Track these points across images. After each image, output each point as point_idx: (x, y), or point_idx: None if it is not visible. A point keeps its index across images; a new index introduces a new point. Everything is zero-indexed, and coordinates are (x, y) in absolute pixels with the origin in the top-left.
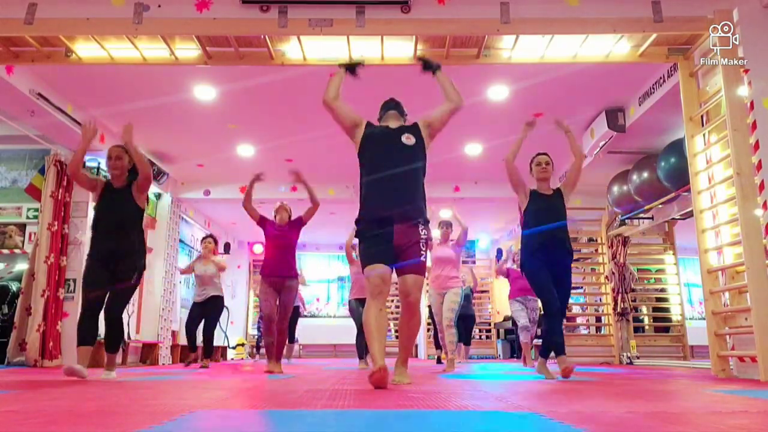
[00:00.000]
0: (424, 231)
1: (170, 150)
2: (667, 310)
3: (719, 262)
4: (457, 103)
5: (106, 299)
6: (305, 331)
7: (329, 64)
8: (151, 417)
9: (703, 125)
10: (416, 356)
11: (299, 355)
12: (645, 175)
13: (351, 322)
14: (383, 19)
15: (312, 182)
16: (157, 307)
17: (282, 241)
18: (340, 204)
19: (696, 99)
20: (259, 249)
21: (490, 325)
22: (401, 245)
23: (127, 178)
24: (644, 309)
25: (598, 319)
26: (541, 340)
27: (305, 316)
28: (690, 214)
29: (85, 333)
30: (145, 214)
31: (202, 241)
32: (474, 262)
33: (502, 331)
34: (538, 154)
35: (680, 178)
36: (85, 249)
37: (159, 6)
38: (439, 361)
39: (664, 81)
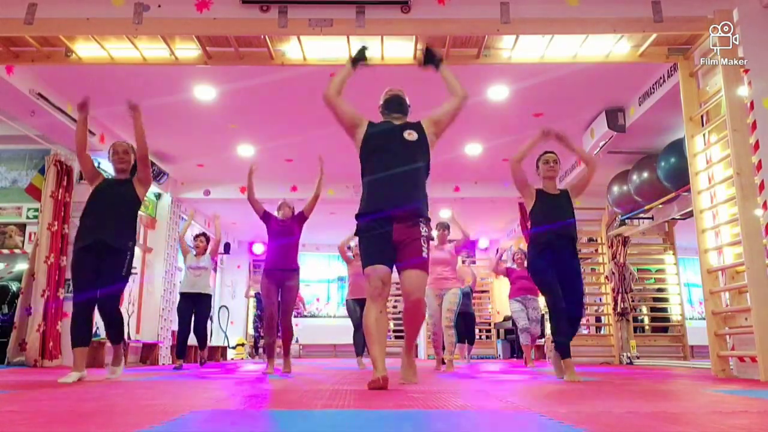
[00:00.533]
0: (424, 228)
1: (170, 150)
2: (666, 310)
3: (719, 262)
4: (464, 96)
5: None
6: (305, 331)
7: (329, 64)
8: (151, 417)
9: (703, 125)
10: (416, 356)
11: (299, 355)
12: (645, 175)
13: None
14: (383, 19)
15: (312, 182)
16: (157, 307)
17: (284, 236)
18: (340, 204)
19: (696, 99)
20: (259, 249)
21: (490, 325)
22: (401, 243)
23: (131, 170)
24: (644, 309)
25: (598, 319)
26: (543, 340)
27: (305, 316)
28: (690, 214)
29: (79, 334)
30: (143, 212)
31: (195, 238)
32: (474, 262)
33: (502, 331)
34: (546, 152)
35: (680, 178)
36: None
37: (159, 6)
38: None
39: (664, 81)
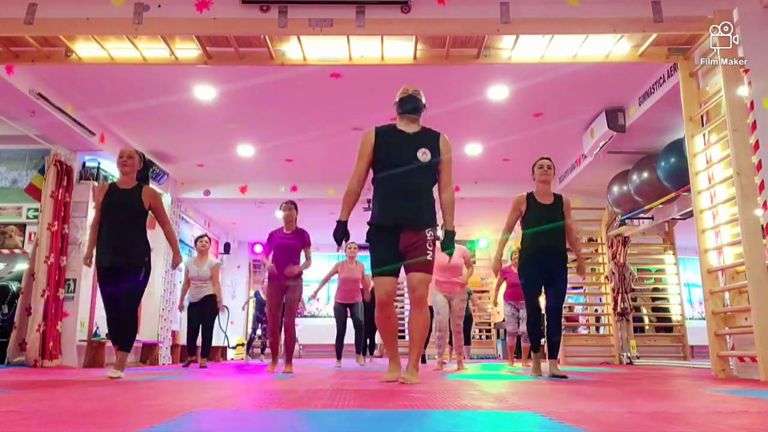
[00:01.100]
0: (430, 233)
1: (170, 150)
2: (667, 310)
3: (719, 262)
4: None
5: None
6: (305, 331)
7: (329, 64)
8: (151, 417)
9: (703, 125)
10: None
11: (299, 355)
12: (645, 175)
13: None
14: (383, 19)
15: (312, 182)
16: (157, 307)
17: (287, 247)
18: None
19: (696, 99)
20: (260, 249)
21: (490, 325)
22: (408, 247)
23: (136, 177)
24: (644, 309)
25: (598, 319)
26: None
27: (305, 316)
28: (690, 214)
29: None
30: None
31: (197, 240)
32: (474, 262)
33: (502, 331)
34: (542, 158)
35: (680, 178)
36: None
37: (159, 6)
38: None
39: (664, 81)
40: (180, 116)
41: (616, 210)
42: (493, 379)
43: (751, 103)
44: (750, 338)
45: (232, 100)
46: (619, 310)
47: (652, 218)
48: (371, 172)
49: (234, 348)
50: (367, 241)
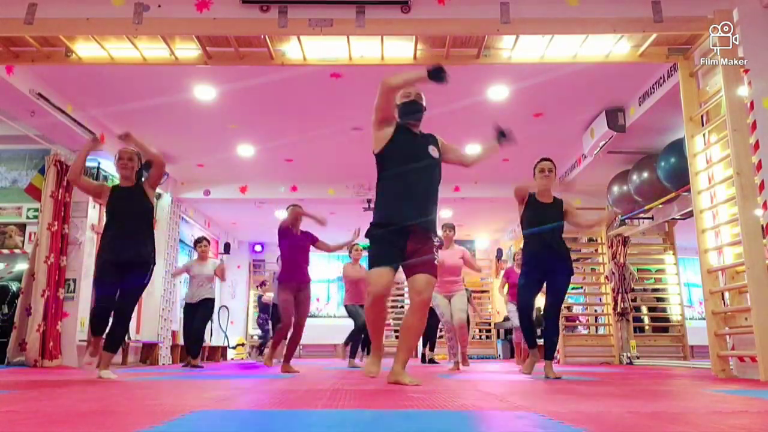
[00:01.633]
0: (437, 239)
1: (170, 150)
2: (666, 310)
3: (719, 262)
4: (469, 165)
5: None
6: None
7: (329, 64)
8: (151, 417)
9: (703, 125)
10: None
11: (299, 355)
12: (645, 175)
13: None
14: (383, 19)
15: (312, 182)
16: (157, 307)
17: (299, 247)
18: (340, 204)
19: (696, 99)
20: (259, 248)
21: (490, 325)
22: (416, 248)
23: (136, 176)
24: (644, 309)
25: (598, 319)
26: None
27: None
28: (690, 214)
29: (98, 326)
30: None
31: (197, 244)
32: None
33: (502, 331)
34: (542, 159)
35: (680, 178)
36: (85, 249)
37: (159, 6)
38: (432, 361)
39: (664, 81)
40: (180, 116)
41: (616, 210)
42: (493, 379)
43: (751, 103)
44: (750, 338)
45: (232, 100)
46: (619, 310)
47: (652, 218)
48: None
49: (234, 348)
50: (367, 237)
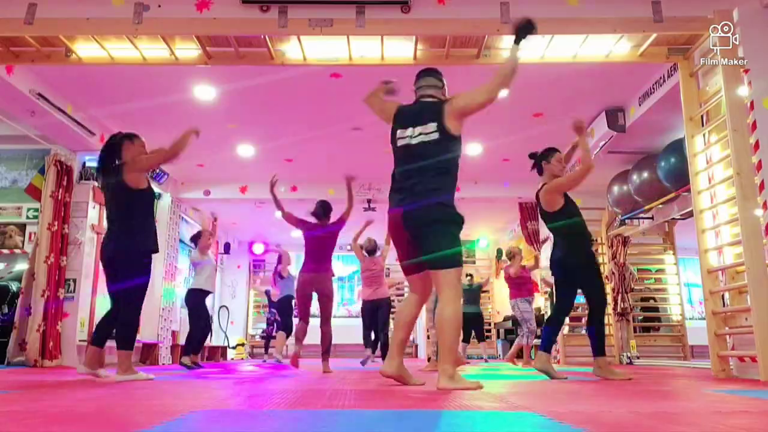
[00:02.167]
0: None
1: None
2: (667, 310)
3: (719, 262)
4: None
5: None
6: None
7: (329, 64)
8: (151, 417)
9: (703, 125)
10: (415, 356)
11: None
12: (645, 175)
13: (351, 322)
14: (383, 19)
15: (312, 182)
16: (157, 307)
17: (319, 242)
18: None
19: (696, 99)
20: (259, 249)
21: (490, 325)
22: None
23: (113, 169)
24: (644, 309)
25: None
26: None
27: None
28: (690, 214)
29: (95, 333)
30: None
31: (197, 239)
32: (474, 262)
33: (502, 331)
34: (557, 150)
35: (680, 178)
36: (85, 249)
37: (159, 6)
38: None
39: (664, 81)
40: (180, 116)
41: (616, 210)
42: (493, 379)
43: (751, 103)
44: (750, 338)
45: (232, 100)
46: (619, 310)
47: (652, 218)
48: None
49: (234, 348)
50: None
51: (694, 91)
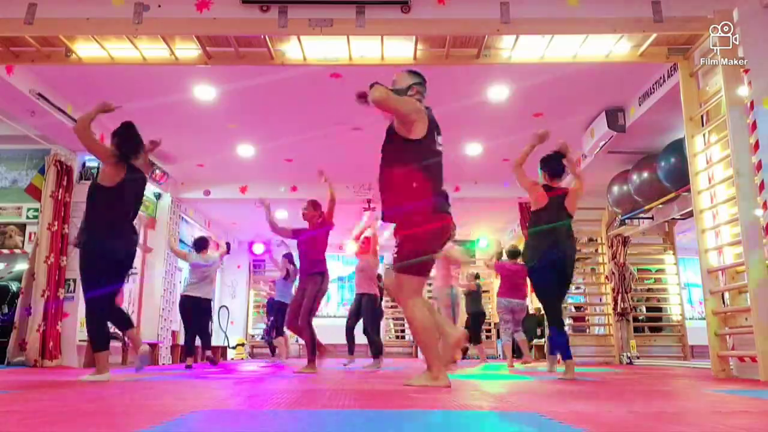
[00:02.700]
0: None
1: (170, 150)
2: (667, 310)
3: (719, 262)
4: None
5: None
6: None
7: (329, 64)
8: (151, 417)
9: (703, 125)
10: (415, 356)
11: (299, 354)
12: (645, 175)
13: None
14: (383, 19)
15: (312, 182)
16: (157, 307)
17: (309, 244)
18: (340, 204)
19: (696, 99)
20: (259, 249)
21: (490, 325)
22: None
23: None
24: (644, 309)
25: (598, 319)
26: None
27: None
28: (690, 214)
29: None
30: (143, 212)
31: (199, 244)
32: (474, 262)
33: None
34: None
35: (680, 178)
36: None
37: (159, 6)
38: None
39: (664, 81)
40: (180, 116)
41: (616, 210)
42: (493, 379)
43: (751, 103)
44: (750, 338)
45: (232, 100)
46: (619, 310)
47: (652, 218)
48: (410, 155)
49: (234, 348)
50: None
51: (694, 91)
